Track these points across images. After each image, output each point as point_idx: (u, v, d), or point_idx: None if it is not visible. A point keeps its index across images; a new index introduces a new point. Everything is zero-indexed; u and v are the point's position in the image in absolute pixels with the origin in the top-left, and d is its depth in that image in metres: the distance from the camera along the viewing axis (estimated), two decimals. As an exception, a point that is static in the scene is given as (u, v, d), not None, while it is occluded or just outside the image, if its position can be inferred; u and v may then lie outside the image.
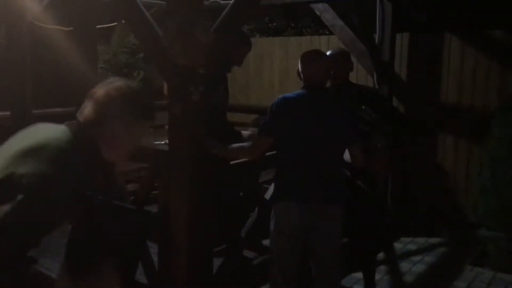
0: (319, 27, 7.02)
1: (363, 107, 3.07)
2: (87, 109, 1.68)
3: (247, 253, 3.53)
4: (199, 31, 2.34)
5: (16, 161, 1.48)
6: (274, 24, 7.94)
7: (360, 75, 5.13)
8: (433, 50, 4.86)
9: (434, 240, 4.57)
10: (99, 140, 1.66)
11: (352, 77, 5.32)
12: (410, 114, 4.95)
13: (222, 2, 5.17)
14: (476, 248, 4.19)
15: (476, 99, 4.65)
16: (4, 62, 3.84)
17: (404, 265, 4.06)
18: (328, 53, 3.13)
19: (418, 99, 4.92)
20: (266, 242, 3.96)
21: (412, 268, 3.99)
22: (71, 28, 3.41)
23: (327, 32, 6.03)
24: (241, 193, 3.75)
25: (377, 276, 3.82)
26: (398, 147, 3.54)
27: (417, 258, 4.19)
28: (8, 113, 3.86)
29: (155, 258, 2.84)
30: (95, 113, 1.66)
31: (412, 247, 4.43)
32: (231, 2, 2.67)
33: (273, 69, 6.06)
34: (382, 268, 3.99)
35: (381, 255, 4.17)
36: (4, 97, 3.84)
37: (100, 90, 1.69)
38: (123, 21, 4.16)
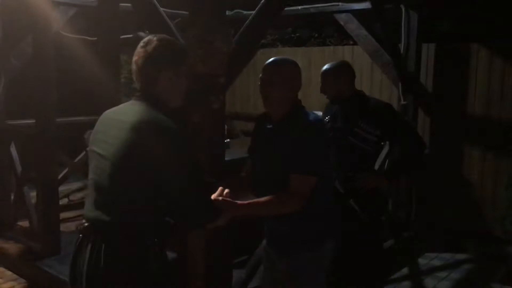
0: (343, 37, 6.96)
1: (359, 122, 2.76)
2: (137, 82, 1.81)
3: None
4: (220, 40, 2.33)
5: (136, 139, 1.62)
6: (297, 34, 7.91)
7: (385, 85, 5.06)
8: (460, 61, 4.76)
9: (460, 256, 4.43)
10: (163, 96, 1.79)
11: (376, 88, 5.30)
12: (435, 126, 4.85)
13: (244, 12, 5.19)
14: (504, 265, 4.05)
15: (504, 110, 4.52)
16: (29, 71, 3.90)
17: (429, 282, 3.93)
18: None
19: (445, 111, 4.81)
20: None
21: (437, 285, 3.87)
22: (95, 38, 3.44)
23: (351, 42, 5.97)
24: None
25: (400, 292, 3.73)
26: (406, 170, 3.12)
27: (442, 274, 4.05)
28: (32, 121, 3.91)
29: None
30: (146, 75, 1.77)
31: (437, 262, 4.30)
32: (253, 12, 2.66)
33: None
34: (405, 284, 3.88)
35: (405, 271, 4.07)
36: (29, 106, 3.90)
37: (138, 55, 1.78)
38: (147, 31, 4.20)
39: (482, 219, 4.66)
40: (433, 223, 4.69)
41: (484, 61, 4.62)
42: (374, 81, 5.28)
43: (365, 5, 4.54)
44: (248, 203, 1.97)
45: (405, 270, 4.07)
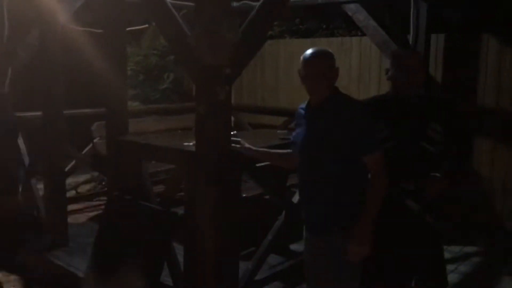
0: (351, 28, 6.91)
1: (432, 123, 2.43)
2: None
3: (274, 258, 3.48)
4: (226, 30, 2.31)
5: None
6: (305, 25, 7.86)
7: (393, 77, 5.01)
8: (470, 51, 4.70)
9: (469, 248, 4.39)
10: None
11: (385, 80, 5.24)
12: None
13: (252, 3, 5.15)
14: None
15: (514, 102, 4.47)
16: (37, 64, 3.90)
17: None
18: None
19: (454, 102, 4.75)
20: (293, 246, 3.92)
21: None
22: (102, 31, 3.43)
23: (359, 33, 5.92)
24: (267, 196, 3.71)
25: (409, 285, 3.70)
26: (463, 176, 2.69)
27: (451, 267, 4.02)
28: (39, 113, 3.92)
29: (181, 260, 2.82)
30: None
31: (446, 255, 4.26)
32: (258, 3, 2.63)
33: (303, 71, 5.99)
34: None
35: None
36: (37, 98, 3.90)
37: None
38: (153, 23, 4.18)
39: (492, 211, 4.62)
40: (445, 215, 4.66)
41: (494, 52, 4.56)
42: (383, 73, 5.23)
43: (374, -5, 4.49)
44: (369, 213, 2.17)
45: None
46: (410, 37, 4.51)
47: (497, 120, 4.58)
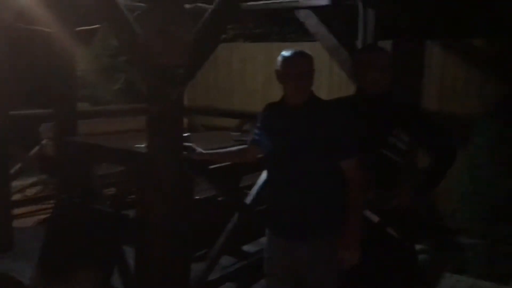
0: (303, 33, 7.03)
1: (395, 130, 2.32)
2: None
3: (227, 259, 3.51)
4: (180, 30, 2.32)
5: None
6: (258, 29, 7.94)
7: (344, 81, 5.15)
8: (415, 58, 4.90)
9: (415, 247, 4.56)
10: None
11: (335, 84, 5.40)
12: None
13: (204, 6, 5.16)
14: (456, 255, 4.20)
15: (456, 107, 4.69)
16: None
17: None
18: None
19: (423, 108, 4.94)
20: (246, 247, 3.96)
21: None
22: (50, 30, 3.35)
23: (310, 39, 6.04)
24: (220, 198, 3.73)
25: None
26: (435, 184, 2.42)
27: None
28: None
29: (132, 263, 2.79)
30: None
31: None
32: (212, 6, 2.66)
33: (256, 74, 6.06)
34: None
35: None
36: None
37: None
38: (104, 22, 4.11)
39: (435, 211, 4.81)
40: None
41: (438, 58, 4.77)
42: (333, 77, 5.38)
43: (324, 2, 4.60)
44: (355, 222, 2.15)
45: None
46: (359, 43, 4.65)
47: (440, 123, 4.79)
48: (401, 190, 2.29)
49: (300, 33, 7.32)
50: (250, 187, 3.45)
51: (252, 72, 6.10)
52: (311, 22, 4.89)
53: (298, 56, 2.17)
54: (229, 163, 2.96)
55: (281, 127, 2.24)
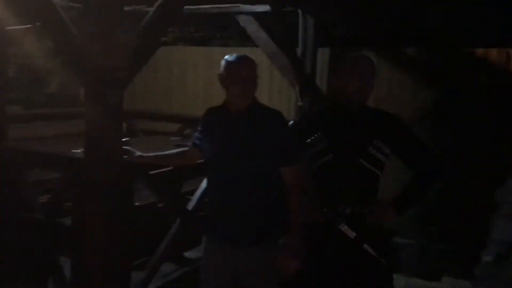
0: (244, 39, 7.08)
1: (375, 140, 2.24)
2: None
3: (168, 266, 3.45)
4: (119, 32, 2.26)
5: None
6: (200, 33, 7.91)
7: (283, 87, 5.23)
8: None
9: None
10: None
11: (275, 89, 5.47)
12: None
13: (143, 9, 5.07)
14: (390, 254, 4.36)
15: (392, 111, 4.88)
16: None
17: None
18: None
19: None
20: (187, 254, 3.91)
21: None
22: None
23: (251, 44, 6.09)
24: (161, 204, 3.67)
25: None
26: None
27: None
28: None
29: (68, 274, 2.69)
30: None
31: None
32: (153, 8, 2.62)
33: (197, 78, 6.02)
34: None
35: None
36: None
37: None
38: (38, 22, 3.94)
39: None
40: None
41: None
42: (273, 83, 5.45)
43: (265, 8, 4.66)
44: (294, 228, 2.14)
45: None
46: (299, 50, 4.75)
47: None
48: (378, 207, 2.20)
49: (241, 38, 7.37)
50: (192, 192, 3.42)
51: (193, 76, 6.06)
52: (252, 27, 4.94)
53: (242, 61, 2.16)
54: (170, 167, 2.92)
55: (222, 132, 2.23)
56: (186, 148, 2.47)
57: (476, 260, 3.64)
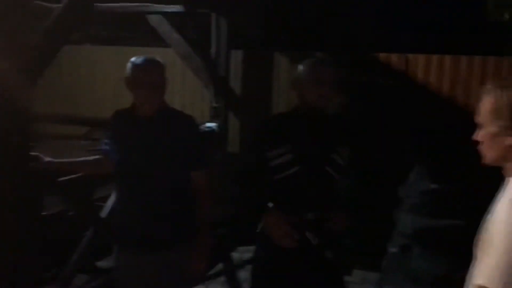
0: (155, 39, 6.94)
1: (338, 146, 2.21)
2: None
3: (80, 277, 3.28)
4: (22, 31, 2.10)
5: None
6: (106, 32, 7.62)
7: (197, 89, 5.20)
8: (264, 68, 5.15)
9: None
10: None
11: (189, 91, 5.40)
12: (245, 129, 5.16)
13: (50, 5, 4.78)
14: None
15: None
16: None
17: (243, 274, 4.16)
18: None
19: (252, 114, 5.15)
20: (100, 263, 3.74)
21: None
22: None
23: (162, 45, 5.99)
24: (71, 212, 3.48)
25: (217, 288, 3.88)
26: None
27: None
28: None
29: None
30: None
31: (249, 255, 4.58)
32: (60, 5, 2.47)
33: (106, 79, 5.78)
34: (221, 279, 4.05)
35: (219, 266, 4.23)
36: None
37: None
38: None
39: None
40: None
41: (285, 69, 5.08)
42: (186, 85, 5.39)
43: (177, 8, 4.59)
44: (204, 232, 2.20)
45: (219, 266, 4.23)
46: (212, 51, 4.74)
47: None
48: (336, 214, 2.14)
49: (151, 38, 7.21)
50: (104, 198, 3.29)
51: (102, 78, 5.81)
52: (164, 28, 4.85)
53: (149, 64, 2.12)
54: (80, 174, 2.79)
55: (131, 137, 2.19)
56: (101, 156, 2.36)
57: (383, 252, 3.85)
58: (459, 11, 5.81)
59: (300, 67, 2.17)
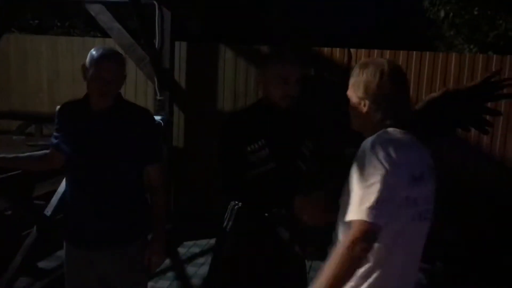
0: (90, 29, 6.68)
1: (307, 140, 2.19)
2: None
3: (22, 280, 3.09)
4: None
5: None
6: (37, 21, 7.21)
7: (140, 81, 5.04)
8: (210, 60, 5.10)
9: (214, 240, 4.75)
10: None
11: (131, 83, 5.22)
12: (189, 121, 5.09)
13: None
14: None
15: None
16: None
17: (190, 269, 4.12)
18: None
19: (197, 107, 5.09)
20: (42, 264, 3.55)
21: (198, 271, 4.09)
22: None
23: (99, 35, 5.77)
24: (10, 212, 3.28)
25: (165, 283, 3.80)
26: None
27: (201, 260, 4.30)
28: None
29: None
30: None
31: (195, 250, 4.54)
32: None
33: (40, 70, 5.46)
34: (169, 274, 3.98)
35: (167, 262, 4.15)
36: None
37: None
38: None
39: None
40: (190, 214, 4.93)
41: (230, 62, 5.05)
42: (128, 76, 5.20)
43: (119, -3, 4.44)
44: (160, 225, 2.20)
45: (167, 261, 4.16)
46: (156, 43, 4.62)
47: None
48: (302, 201, 2.01)
49: (86, 28, 6.93)
50: (46, 196, 3.12)
51: (35, 68, 5.48)
52: (104, 17, 4.67)
53: (108, 57, 2.04)
54: (18, 171, 2.64)
55: (83, 131, 2.11)
56: (49, 151, 2.23)
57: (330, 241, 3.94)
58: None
59: (265, 62, 2.12)
